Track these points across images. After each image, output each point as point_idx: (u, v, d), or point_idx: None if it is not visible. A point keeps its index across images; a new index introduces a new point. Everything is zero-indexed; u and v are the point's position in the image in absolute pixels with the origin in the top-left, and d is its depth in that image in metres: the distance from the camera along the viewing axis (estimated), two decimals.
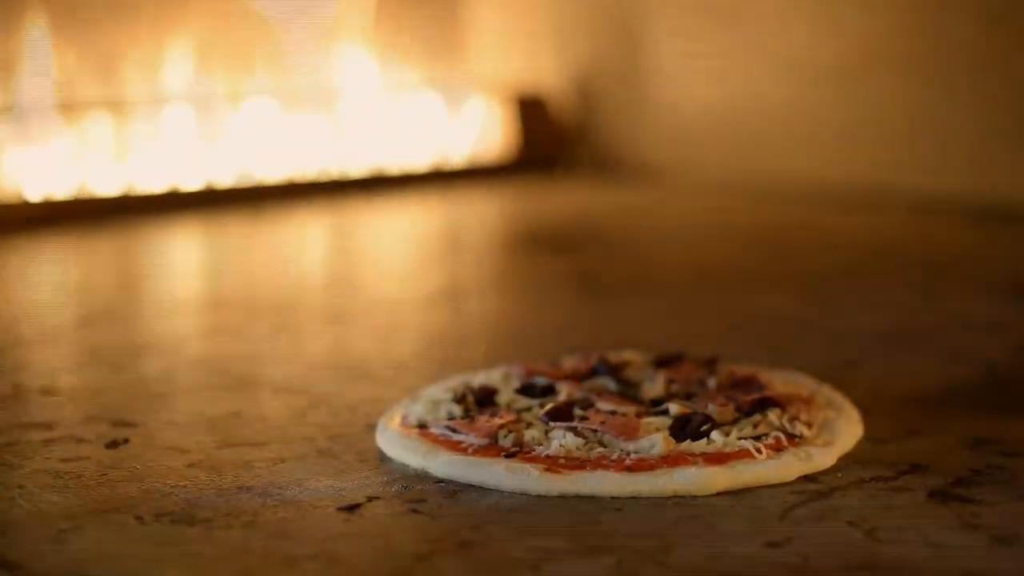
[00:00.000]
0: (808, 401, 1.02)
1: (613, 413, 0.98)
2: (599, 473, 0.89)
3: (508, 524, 0.84)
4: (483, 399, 1.03)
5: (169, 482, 0.92)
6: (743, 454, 0.91)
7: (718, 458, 0.90)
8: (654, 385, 1.05)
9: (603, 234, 2.28)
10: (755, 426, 0.96)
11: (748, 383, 1.05)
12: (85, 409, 1.13)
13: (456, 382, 1.10)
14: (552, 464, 0.90)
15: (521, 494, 0.89)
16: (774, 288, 1.71)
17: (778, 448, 0.92)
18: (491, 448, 0.93)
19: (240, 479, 0.93)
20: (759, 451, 0.91)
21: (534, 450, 0.93)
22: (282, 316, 1.62)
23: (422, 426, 0.99)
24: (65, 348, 1.43)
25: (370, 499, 0.89)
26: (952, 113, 2.40)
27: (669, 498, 0.88)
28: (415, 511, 0.87)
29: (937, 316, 1.51)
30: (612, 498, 0.88)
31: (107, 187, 2.46)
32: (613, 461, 0.90)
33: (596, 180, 2.92)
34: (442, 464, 0.92)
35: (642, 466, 0.89)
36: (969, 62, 2.37)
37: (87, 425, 1.07)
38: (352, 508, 0.87)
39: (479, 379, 1.09)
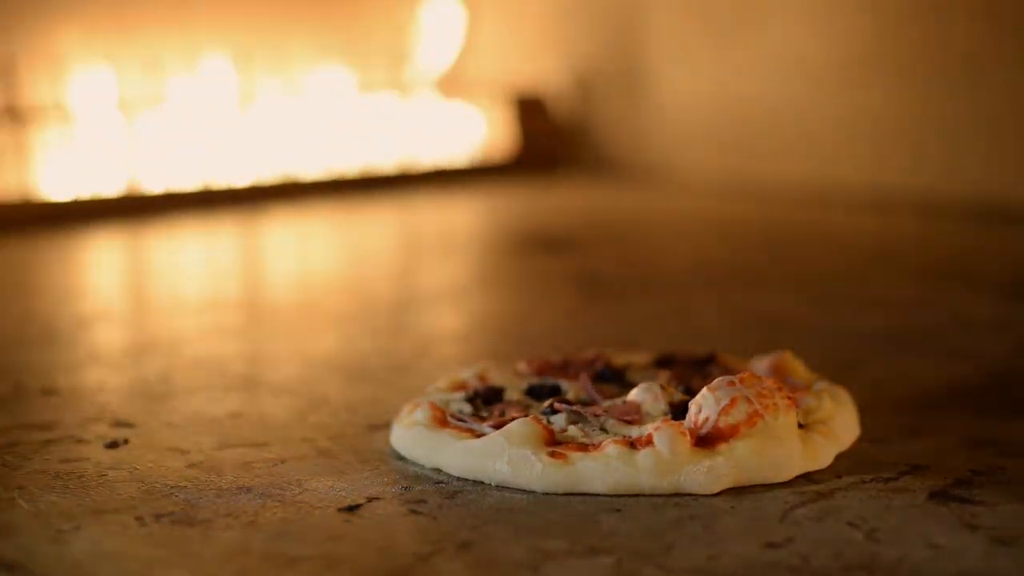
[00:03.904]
0: (804, 390, 1.02)
1: (615, 403, 0.98)
2: (602, 455, 0.89)
3: (508, 524, 0.84)
4: (491, 398, 1.03)
5: (169, 482, 0.92)
6: (750, 423, 0.91)
7: (721, 433, 0.90)
8: (655, 380, 1.06)
9: (603, 234, 2.28)
10: None
11: None
12: (85, 409, 1.13)
13: (468, 373, 1.10)
14: (556, 450, 0.91)
15: (521, 494, 0.89)
16: (774, 288, 1.71)
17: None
18: None
19: (240, 479, 0.93)
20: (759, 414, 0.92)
21: None
22: (282, 316, 1.62)
23: None
24: (65, 348, 1.43)
25: (370, 499, 0.89)
26: (952, 113, 2.40)
27: (670, 496, 0.88)
28: (415, 511, 0.87)
29: (937, 316, 1.51)
30: (612, 497, 0.88)
31: (107, 187, 2.46)
32: (617, 441, 0.91)
33: (596, 180, 2.92)
34: (456, 451, 0.93)
35: (644, 441, 0.90)
36: (969, 62, 2.37)
37: (87, 425, 1.07)
38: (352, 508, 0.87)
39: (489, 375, 1.09)
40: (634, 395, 0.98)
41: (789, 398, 0.93)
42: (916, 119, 2.46)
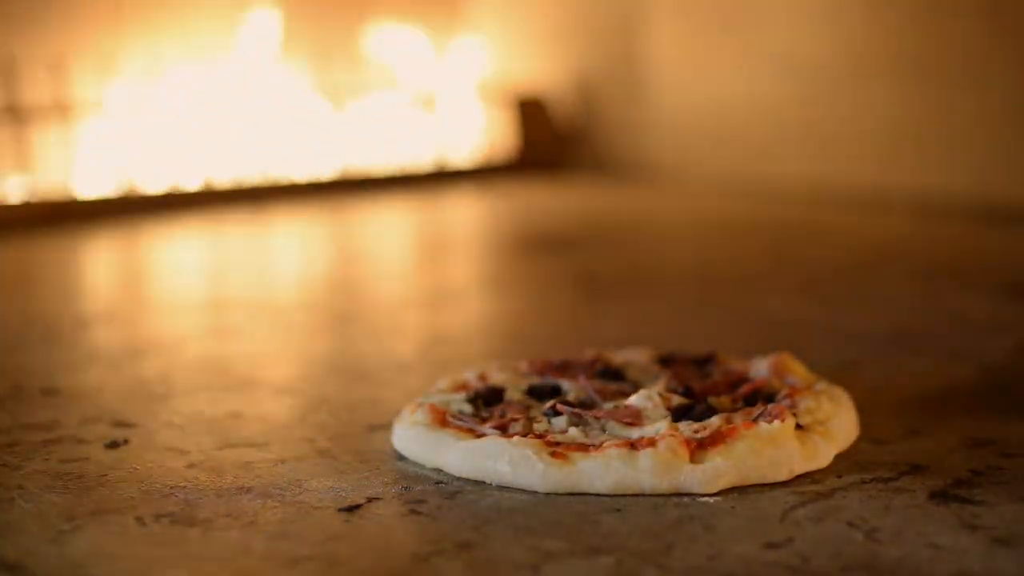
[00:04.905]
0: (803, 390, 1.02)
1: (616, 407, 0.99)
2: (602, 455, 0.89)
3: (508, 524, 0.84)
4: (492, 398, 1.03)
5: (169, 483, 0.92)
6: (746, 425, 0.91)
7: (720, 436, 0.91)
8: (656, 384, 1.06)
9: (603, 234, 2.28)
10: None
11: (741, 379, 1.06)
12: (85, 409, 1.13)
13: (469, 374, 1.10)
14: (557, 450, 0.91)
15: (521, 494, 0.89)
16: (775, 288, 1.71)
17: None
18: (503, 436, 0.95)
19: (240, 480, 0.93)
20: (764, 418, 0.92)
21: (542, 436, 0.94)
22: (282, 316, 1.62)
23: None
24: (65, 348, 1.43)
25: (370, 500, 0.89)
26: (952, 113, 2.40)
27: (670, 496, 0.88)
28: (415, 512, 0.87)
29: (937, 316, 1.51)
30: (612, 497, 0.88)
31: (107, 187, 2.46)
32: (617, 444, 0.91)
33: (596, 180, 2.92)
34: (457, 451, 0.93)
35: (645, 442, 0.90)
36: (969, 63, 2.37)
37: (87, 425, 1.07)
38: (352, 509, 0.87)
39: (490, 375, 1.09)
40: (634, 401, 0.99)
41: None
42: (917, 119, 2.46)
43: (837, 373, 1.13)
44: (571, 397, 1.02)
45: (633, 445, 0.90)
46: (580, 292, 1.75)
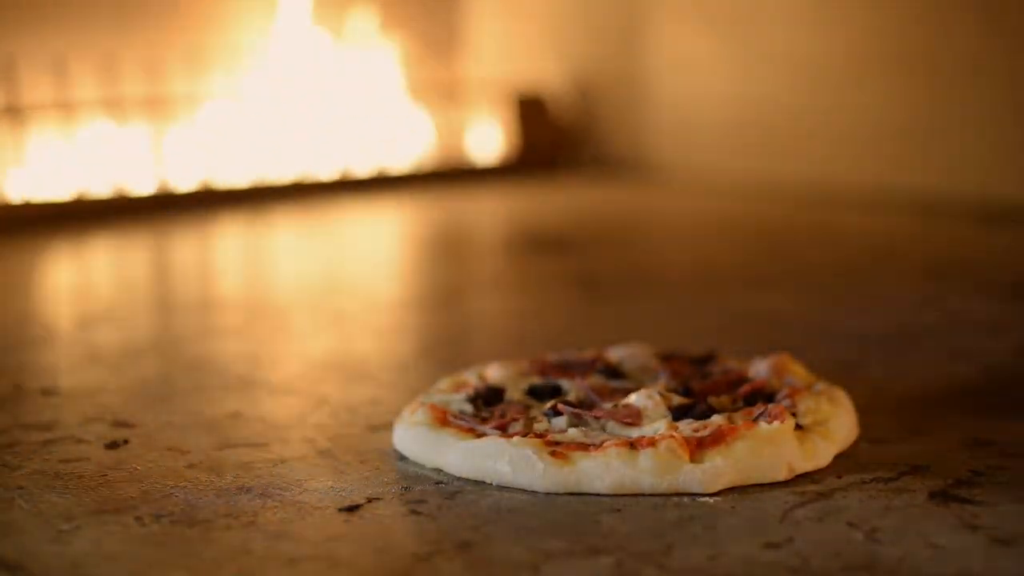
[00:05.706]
0: (802, 391, 1.02)
1: (616, 407, 0.99)
2: (602, 455, 0.89)
3: (508, 524, 0.84)
4: (492, 398, 1.04)
5: (169, 483, 0.92)
6: (746, 425, 0.91)
7: (720, 435, 0.91)
8: (656, 383, 1.06)
9: (603, 234, 2.28)
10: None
11: (741, 379, 1.06)
12: (85, 409, 1.13)
13: (470, 374, 1.10)
14: (557, 449, 0.91)
15: (521, 494, 0.89)
16: (775, 288, 1.71)
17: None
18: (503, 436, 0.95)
19: (240, 480, 0.93)
20: (764, 419, 0.92)
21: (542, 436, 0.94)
22: (282, 317, 1.62)
23: None
24: (65, 348, 1.43)
25: (370, 500, 0.89)
26: (953, 113, 2.40)
27: (670, 496, 0.88)
28: (415, 512, 0.87)
29: (937, 316, 1.51)
30: (612, 497, 0.88)
31: (107, 188, 2.46)
32: (617, 443, 0.91)
33: (596, 180, 2.92)
34: (457, 451, 0.93)
35: (645, 442, 0.90)
36: (970, 62, 2.37)
37: (87, 425, 1.07)
38: (352, 509, 0.87)
39: (491, 375, 1.09)
40: (634, 400, 0.99)
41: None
42: (916, 119, 2.46)
43: (837, 373, 1.13)
44: (571, 397, 1.02)
45: (633, 445, 0.90)
46: (580, 292, 1.75)
